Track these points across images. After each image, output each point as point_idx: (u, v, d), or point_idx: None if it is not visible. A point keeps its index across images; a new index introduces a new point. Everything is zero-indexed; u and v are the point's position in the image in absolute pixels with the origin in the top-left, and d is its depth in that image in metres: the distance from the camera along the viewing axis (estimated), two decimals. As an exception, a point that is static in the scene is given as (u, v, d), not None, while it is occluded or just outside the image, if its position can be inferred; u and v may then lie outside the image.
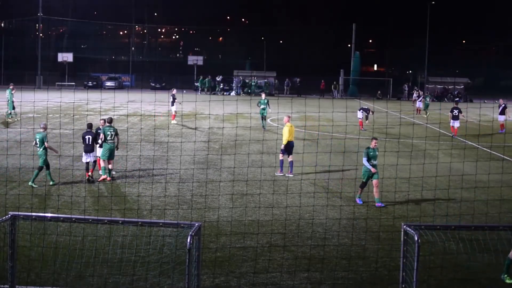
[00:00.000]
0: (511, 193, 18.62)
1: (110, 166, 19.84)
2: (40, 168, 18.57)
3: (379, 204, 17.03)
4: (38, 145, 18.68)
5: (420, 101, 47.26)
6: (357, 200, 17.42)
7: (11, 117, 36.02)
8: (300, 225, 14.88)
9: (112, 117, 20.79)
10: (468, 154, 25.51)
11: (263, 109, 34.67)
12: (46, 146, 18.57)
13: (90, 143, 19.42)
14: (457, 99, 66.97)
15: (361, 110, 36.29)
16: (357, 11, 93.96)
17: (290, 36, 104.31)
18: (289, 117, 21.95)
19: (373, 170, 17.03)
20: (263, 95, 35.67)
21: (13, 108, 36.02)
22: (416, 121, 41.82)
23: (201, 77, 74.94)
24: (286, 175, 21.35)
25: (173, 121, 36.40)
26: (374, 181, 17.12)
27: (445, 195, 17.63)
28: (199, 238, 8.74)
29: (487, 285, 11.73)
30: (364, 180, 17.31)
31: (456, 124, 34.26)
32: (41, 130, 18.89)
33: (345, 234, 14.32)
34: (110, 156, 19.68)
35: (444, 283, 11.57)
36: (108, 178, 19.62)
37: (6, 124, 33.99)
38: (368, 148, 17.33)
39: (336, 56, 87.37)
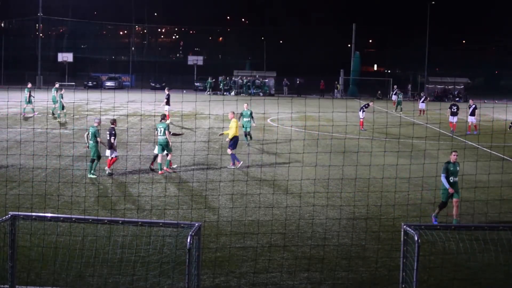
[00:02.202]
0: (511, 193, 18.61)
1: (168, 158, 21.42)
2: (93, 160, 20.19)
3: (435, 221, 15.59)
4: (90, 138, 20.21)
5: (422, 102, 47.28)
6: (433, 220, 15.65)
7: (60, 116, 37.12)
8: (300, 225, 14.88)
9: (164, 114, 22.51)
10: (468, 154, 25.50)
11: (248, 121, 28.52)
12: (98, 140, 20.13)
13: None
14: (457, 99, 67.13)
15: (362, 110, 36.25)
16: (357, 11, 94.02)
17: (290, 36, 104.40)
18: (233, 113, 22.93)
19: (450, 190, 15.32)
20: (246, 106, 28.73)
21: (63, 108, 37.30)
22: (416, 121, 41.83)
23: (210, 78, 75.08)
24: (228, 167, 22.19)
25: (168, 121, 36.54)
26: (454, 200, 15.48)
27: (445, 195, 17.60)
28: (199, 238, 8.74)
29: (487, 285, 11.73)
30: (444, 200, 15.49)
31: (455, 119, 35.48)
32: (95, 124, 20.44)
33: (345, 234, 14.32)
34: (163, 150, 21.17)
35: (444, 283, 11.57)
36: (166, 170, 21.28)
37: (64, 124, 35.31)
38: (448, 163, 15.51)
39: (336, 56, 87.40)
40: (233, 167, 22.21)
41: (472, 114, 35.59)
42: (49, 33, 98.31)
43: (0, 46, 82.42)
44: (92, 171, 20.16)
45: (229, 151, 22.58)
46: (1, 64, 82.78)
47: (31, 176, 18.84)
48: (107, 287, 10.90)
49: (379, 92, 76.05)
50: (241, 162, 22.40)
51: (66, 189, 17.96)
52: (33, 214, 10.01)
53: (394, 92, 56.68)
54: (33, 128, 29.96)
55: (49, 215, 9.96)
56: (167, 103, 37.02)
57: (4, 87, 65.90)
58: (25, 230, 11.17)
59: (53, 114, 37.90)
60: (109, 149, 20.53)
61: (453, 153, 15.67)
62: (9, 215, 9.11)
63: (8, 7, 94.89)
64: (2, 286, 9.54)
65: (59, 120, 36.94)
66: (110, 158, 20.58)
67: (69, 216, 9.84)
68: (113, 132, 20.50)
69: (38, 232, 11.93)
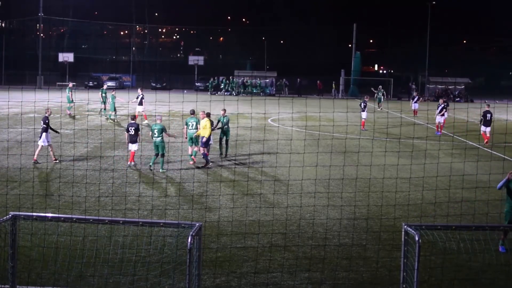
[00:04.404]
0: None
1: (195, 149, 22.77)
2: (163, 155, 21.32)
3: (503, 249, 13.56)
4: (156, 135, 21.27)
5: (415, 102, 46.86)
6: (500, 248, 13.58)
7: (112, 118, 37.51)
8: (301, 225, 14.88)
9: (194, 109, 23.39)
10: (468, 154, 25.51)
11: (224, 129, 25.13)
12: (168, 134, 21.71)
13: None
14: (458, 99, 66.97)
15: (364, 109, 36.14)
16: (358, 11, 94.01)
17: (291, 36, 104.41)
18: (204, 112, 23.03)
19: None
20: (223, 112, 25.08)
21: (114, 109, 37.62)
22: (416, 121, 41.82)
23: (224, 78, 75.51)
24: (206, 167, 22.38)
25: (146, 121, 36.64)
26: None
27: (446, 195, 17.61)
28: (199, 238, 8.73)
29: (488, 285, 11.73)
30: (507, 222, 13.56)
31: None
32: (158, 121, 21.73)
33: (346, 234, 14.32)
34: (192, 143, 22.75)
35: (445, 283, 11.57)
36: (191, 162, 22.67)
37: (115, 125, 36.06)
38: (510, 181, 13.60)
39: (337, 56, 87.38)
40: (208, 167, 22.31)
41: (441, 114, 35.24)
42: (49, 33, 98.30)
43: (0, 46, 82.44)
44: (162, 167, 21.30)
45: (201, 150, 22.64)
46: (1, 64, 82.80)
47: (32, 176, 18.84)
48: (108, 287, 10.90)
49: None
50: (210, 164, 22.54)
51: (67, 189, 17.97)
52: (34, 214, 10.02)
53: (383, 95, 56.28)
54: (34, 128, 29.95)
55: (50, 215, 9.96)
56: (140, 103, 37.15)
57: (5, 87, 65.87)
58: (26, 230, 11.18)
59: (107, 118, 37.95)
60: (134, 143, 21.79)
61: None
62: (10, 215, 9.11)
63: (9, 7, 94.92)
64: (2, 286, 9.54)
65: (111, 120, 37.11)
66: (133, 151, 21.90)
67: (70, 216, 9.84)
68: (138, 127, 22.05)
69: (39, 232, 11.94)
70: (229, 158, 24.49)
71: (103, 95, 39.29)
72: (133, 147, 21.91)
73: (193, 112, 23.40)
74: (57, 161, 22.24)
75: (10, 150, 23.37)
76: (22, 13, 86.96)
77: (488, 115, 30.72)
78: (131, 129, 21.82)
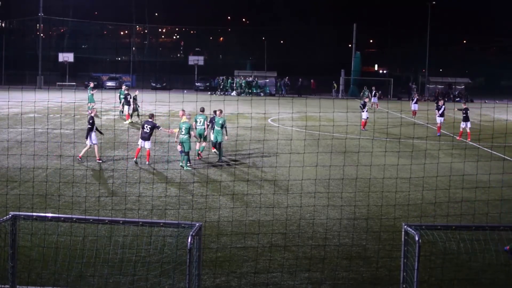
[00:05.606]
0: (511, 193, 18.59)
1: (203, 144, 23.82)
2: (187, 153, 21.91)
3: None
4: (183, 133, 21.93)
5: (415, 103, 46.25)
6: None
7: (132, 118, 37.84)
8: (301, 225, 14.88)
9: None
10: (468, 154, 25.51)
11: (218, 131, 23.97)
12: (192, 134, 22.27)
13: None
14: (458, 99, 66.81)
15: (366, 110, 36.06)
16: (358, 11, 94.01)
17: (291, 36, 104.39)
18: (184, 111, 23.14)
19: None
20: (218, 112, 24.08)
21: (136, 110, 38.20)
22: (416, 121, 41.81)
23: (230, 78, 75.74)
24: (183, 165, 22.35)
25: (128, 120, 36.57)
26: None
27: (446, 195, 17.61)
28: (199, 238, 8.73)
29: (488, 285, 11.72)
30: None
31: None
32: (187, 120, 22.25)
33: (346, 234, 14.32)
34: (201, 139, 23.67)
35: (445, 283, 11.57)
36: (197, 158, 23.70)
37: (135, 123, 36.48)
38: None
39: (337, 56, 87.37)
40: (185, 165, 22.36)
41: (442, 115, 35.03)
42: (49, 33, 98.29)
43: (0, 46, 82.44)
44: (187, 164, 21.95)
45: (179, 147, 22.54)
46: (1, 64, 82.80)
47: (32, 176, 18.85)
48: (108, 287, 10.90)
49: (379, 92, 75.95)
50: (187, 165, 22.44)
51: (67, 189, 17.96)
52: (34, 214, 10.01)
53: (373, 94, 56.38)
54: (34, 128, 29.95)
55: (50, 215, 9.95)
56: (128, 103, 37.10)
57: (5, 87, 65.88)
58: (26, 230, 11.17)
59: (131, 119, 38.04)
60: (146, 141, 22.35)
61: None
62: (10, 215, 9.10)
63: (9, 7, 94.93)
64: (2, 286, 9.54)
65: (131, 122, 37.03)
66: (139, 147, 22.50)
67: (70, 216, 9.84)
68: (156, 125, 22.77)
69: (39, 232, 11.93)
70: (229, 158, 24.49)
71: (121, 96, 38.85)
72: (143, 143, 22.47)
73: (202, 110, 24.12)
74: (101, 161, 22.63)
75: (10, 150, 23.37)
76: (22, 13, 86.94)
77: (467, 112, 32.56)
78: (146, 126, 22.52)
